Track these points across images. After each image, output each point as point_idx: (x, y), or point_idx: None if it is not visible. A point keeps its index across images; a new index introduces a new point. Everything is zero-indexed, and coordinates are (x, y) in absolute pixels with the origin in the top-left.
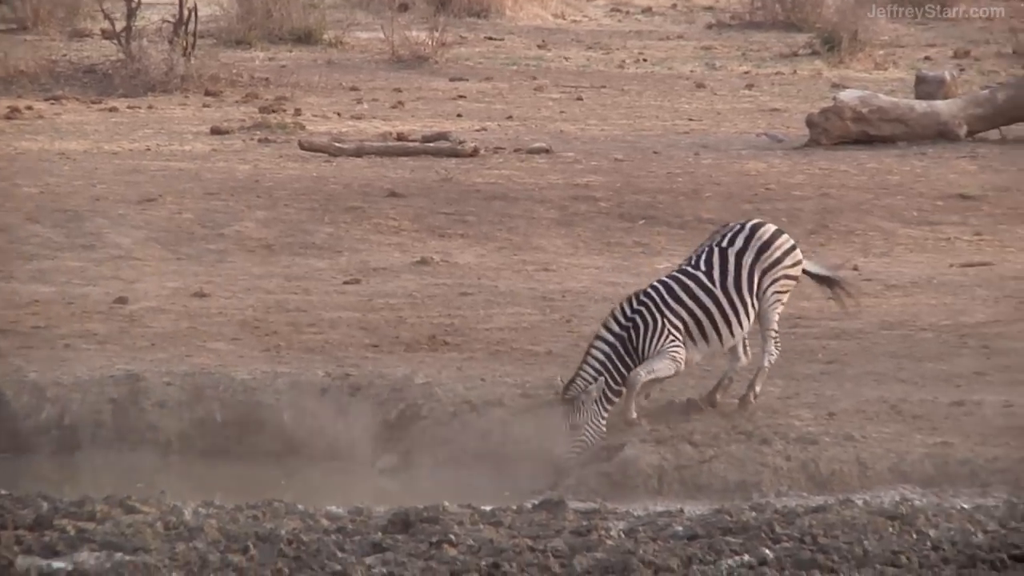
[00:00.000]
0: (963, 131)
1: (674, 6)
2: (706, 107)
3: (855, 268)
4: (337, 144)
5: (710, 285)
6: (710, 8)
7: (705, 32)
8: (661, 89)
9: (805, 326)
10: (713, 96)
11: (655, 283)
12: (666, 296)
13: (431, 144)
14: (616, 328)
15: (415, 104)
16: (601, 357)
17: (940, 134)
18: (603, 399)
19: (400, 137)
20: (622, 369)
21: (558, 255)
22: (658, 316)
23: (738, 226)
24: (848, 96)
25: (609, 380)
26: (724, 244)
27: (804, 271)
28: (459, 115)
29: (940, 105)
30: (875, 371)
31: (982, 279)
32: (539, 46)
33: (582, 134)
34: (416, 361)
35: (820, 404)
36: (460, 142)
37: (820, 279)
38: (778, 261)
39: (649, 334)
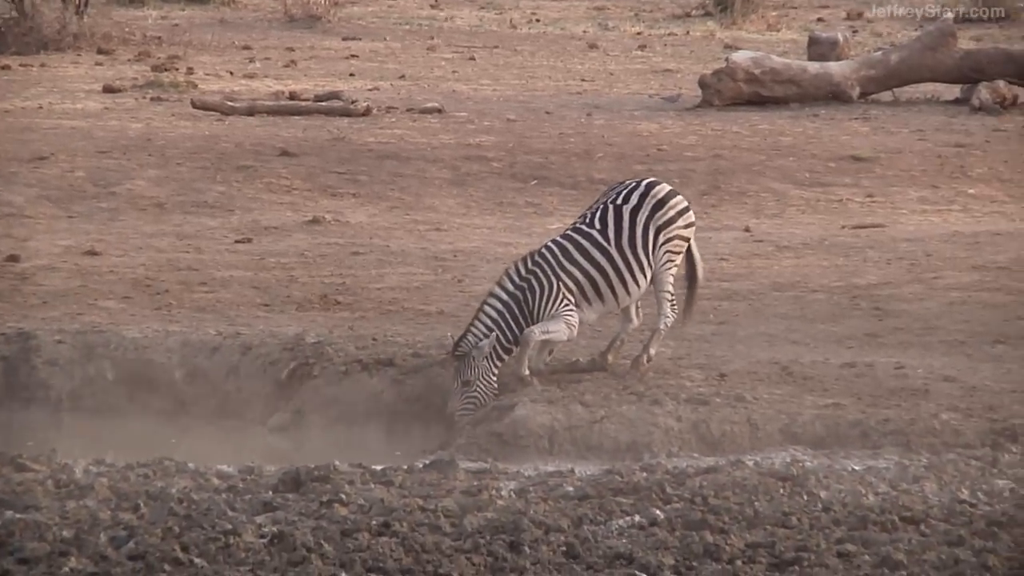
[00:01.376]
0: (856, 93)
1: None
2: (599, 68)
3: (747, 229)
4: (229, 103)
5: (604, 243)
6: None
7: None
8: (554, 50)
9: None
10: (606, 57)
11: (550, 243)
12: (560, 258)
13: (323, 103)
14: (510, 287)
15: (308, 63)
16: (494, 315)
17: (833, 96)
18: (494, 356)
19: (292, 96)
20: (515, 328)
21: (450, 215)
22: (553, 279)
23: (633, 183)
24: (740, 57)
25: (501, 337)
26: (619, 201)
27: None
28: (352, 75)
29: (833, 67)
30: (767, 332)
31: (874, 241)
32: (432, 6)
33: (475, 94)
34: (308, 320)
35: (711, 365)
36: (352, 101)
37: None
38: (671, 220)
39: (543, 297)
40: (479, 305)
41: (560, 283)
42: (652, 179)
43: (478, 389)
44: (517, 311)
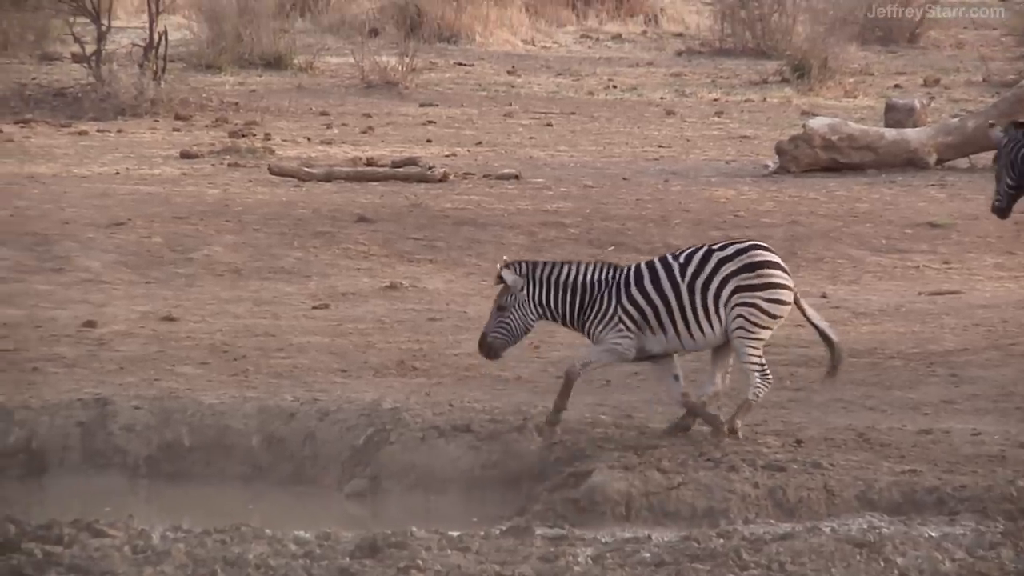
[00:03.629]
0: (933, 159)
1: (644, 33)
2: (675, 134)
3: (824, 296)
4: (307, 169)
5: (678, 277)
6: (680, 35)
7: (675, 59)
8: (631, 116)
9: (773, 353)
10: (682, 123)
11: (632, 266)
12: (632, 283)
13: (400, 169)
14: (585, 275)
15: (385, 129)
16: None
17: (909, 162)
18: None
19: (370, 162)
20: (555, 297)
21: None
22: (615, 304)
23: (743, 241)
24: (817, 124)
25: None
26: (715, 247)
27: (806, 318)
28: (429, 140)
29: (910, 133)
30: (843, 399)
31: (950, 307)
32: (509, 72)
33: (551, 160)
34: (384, 386)
35: (787, 431)
36: (429, 167)
37: (818, 331)
38: (754, 287)
39: (599, 317)
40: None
41: (620, 309)
42: (763, 244)
43: (511, 317)
44: (569, 295)
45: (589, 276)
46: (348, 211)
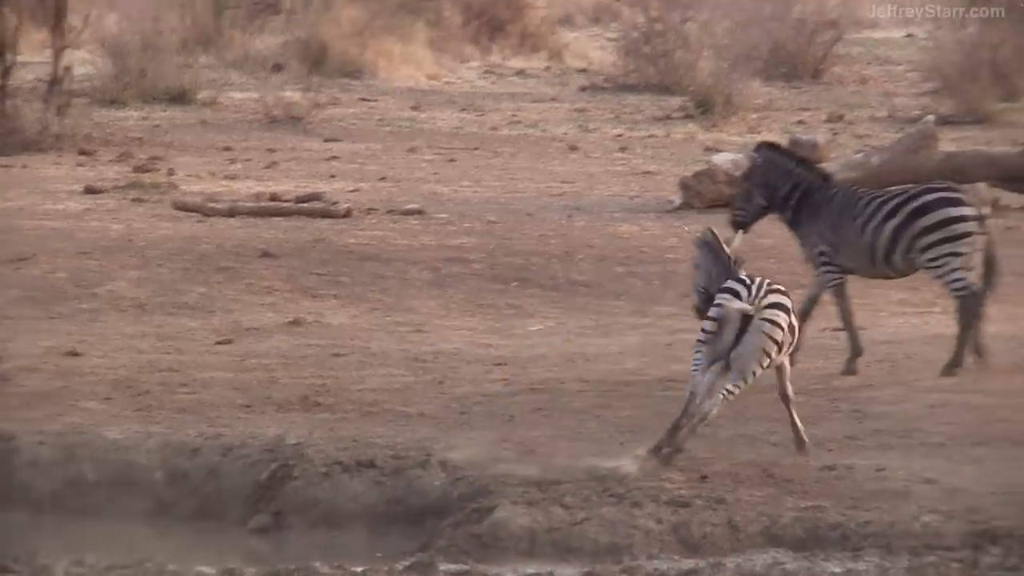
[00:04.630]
0: None
1: (547, 68)
2: (579, 169)
3: None
4: (210, 204)
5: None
6: (583, 71)
7: (579, 94)
8: (534, 151)
9: (677, 389)
10: (586, 158)
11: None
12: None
13: (304, 205)
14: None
15: (289, 164)
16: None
17: None
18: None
19: (273, 197)
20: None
21: (431, 316)
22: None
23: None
24: (721, 159)
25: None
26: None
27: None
28: (332, 176)
29: None
30: (747, 434)
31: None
32: (413, 107)
33: (455, 196)
34: (288, 421)
35: (692, 467)
36: (333, 203)
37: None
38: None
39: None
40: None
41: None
42: (777, 288)
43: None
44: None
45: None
46: (252, 246)
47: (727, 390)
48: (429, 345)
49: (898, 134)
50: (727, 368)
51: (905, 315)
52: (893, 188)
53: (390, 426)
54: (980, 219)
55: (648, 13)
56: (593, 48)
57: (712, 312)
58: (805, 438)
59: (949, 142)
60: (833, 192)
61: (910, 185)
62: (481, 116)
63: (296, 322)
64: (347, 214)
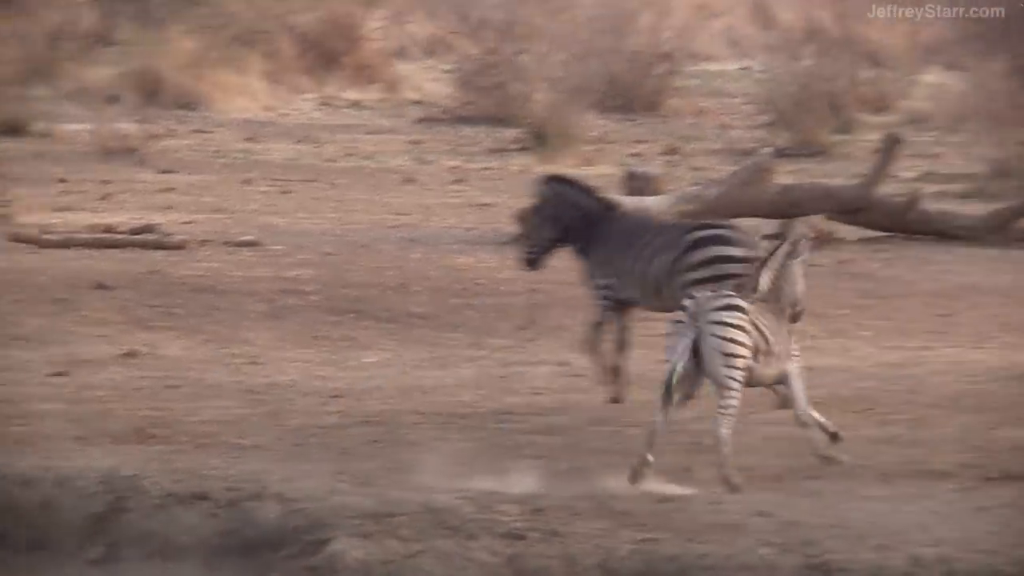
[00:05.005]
0: None
1: (383, 100)
2: (415, 201)
3: (564, 364)
4: (45, 236)
5: None
6: (419, 102)
7: (414, 126)
8: (370, 183)
9: (513, 421)
10: (422, 190)
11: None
12: None
13: (139, 236)
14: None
15: (124, 196)
16: None
17: None
18: None
19: (108, 229)
20: None
21: (266, 348)
22: None
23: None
24: None
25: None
26: None
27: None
28: (168, 207)
29: (649, 201)
30: (583, 467)
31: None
32: (248, 139)
33: (291, 227)
34: (123, 453)
35: (528, 500)
36: (168, 234)
37: None
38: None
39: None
40: None
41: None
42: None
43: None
44: None
45: None
46: (86, 278)
47: (722, 408)
48: (264, 377)
49: (734, 167)
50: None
51: None
52: (680, 221)
53: (225, 458)
54: (750, 261)
55: (483, 45)
56: (428, 80)
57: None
58: (833, 430)
59: (785, 174)
60: (618, 223)
61: (687, 222)
62: (317, 148)
63: (131, 354)
64: (182, 246)
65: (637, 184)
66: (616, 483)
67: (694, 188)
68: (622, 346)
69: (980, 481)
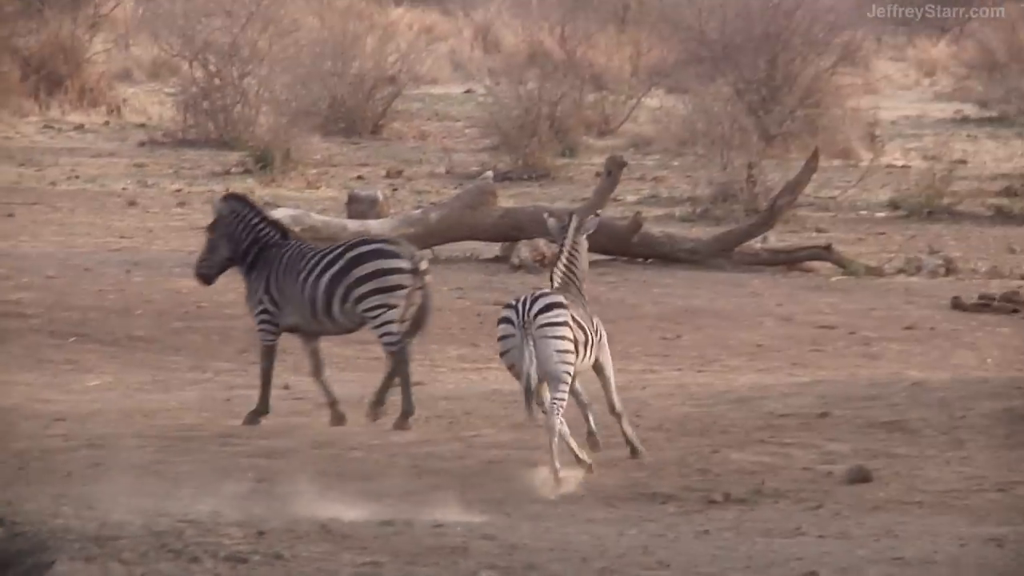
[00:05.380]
0: None
1: (106, 123)
2: (138, 224)
3: (286, 387)
4: None
5: None
6: (143, 126)
7: (138, 150)
8: (93, 206)
9: (235, 444)
10: (145, 214)
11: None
12: None
13: None
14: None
15: None
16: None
17: None
18: None
19: None
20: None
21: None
22: None
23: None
24: (280, 214)
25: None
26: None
27: None
28: None
29: (372, 224)
30: (306, 490)
31: (417, 398)
32: None
33: (13, 251)
34: None
35: (250, 523)
36: None
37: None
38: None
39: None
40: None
41: None
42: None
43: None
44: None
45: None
46: None
47: (555, 401)
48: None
49: (457, 190)
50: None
51: (464, 371)
52: (336, 244)
53: None
54: (414, 272)
55: (207, 68)
56: (153, 103)
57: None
58: (640, 447)
59: (508, 198)
60: (286, 249)
61: (349, 240)
62: (40, 171)
63: None
64: None
65: (360, 207)
66: (338, 506)
67: (417, 211)
68: (317, 371)
69: (702, 504)
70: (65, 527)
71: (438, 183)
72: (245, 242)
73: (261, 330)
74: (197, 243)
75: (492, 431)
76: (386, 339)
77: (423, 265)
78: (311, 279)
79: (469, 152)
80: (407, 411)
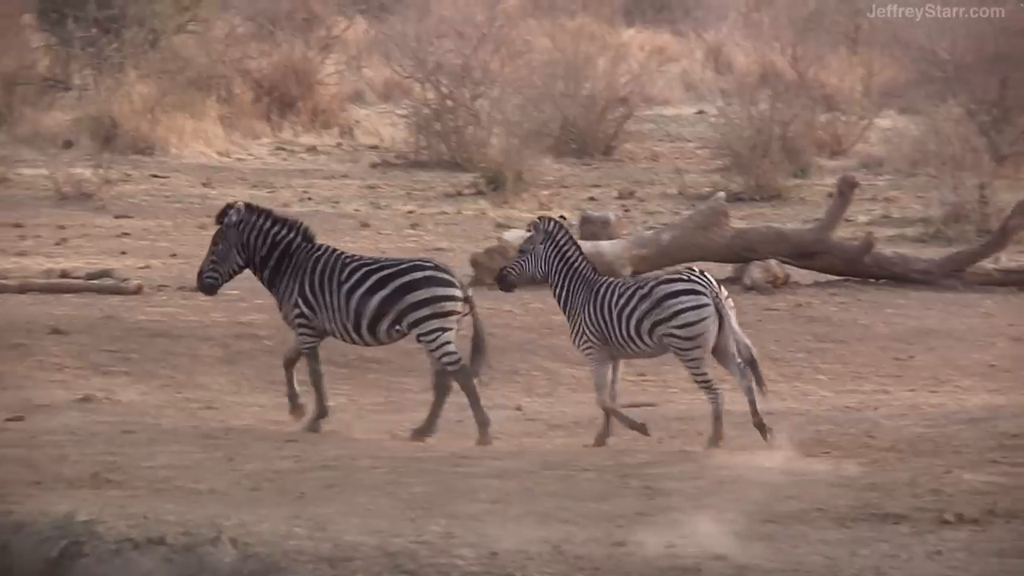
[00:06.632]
0: (628, 272)
1: (339, 145)
2: (371, 246)
3: (519, 408)
4: (1, 281)
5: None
6: (375, 147)
7: (370, 171)
8: (325, 228)
9: (467, 465)
10: (378, 235)
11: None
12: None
13: (95, 281)
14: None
15: (79, 241)
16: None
17: (605, 274)
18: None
19: (64, 274)
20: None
21: (221, 393)
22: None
23: None
24: (512, 236)
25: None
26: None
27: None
28: (123, 252)
29: (605, 245)
30: (538, 511)
31: (646, 418)
32: (204, 184)
33: (246, 272)
34: (79, 498)
35: (482, 544)
36: (124, 279)
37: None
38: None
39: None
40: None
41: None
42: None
43: (527, 261)
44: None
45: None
46: (42, 323)
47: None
48: (219, 422)
49: (689, 211)
50: None
51: (695, 391)
52: (384, 258)
53: (180, 503)
54: (465, 299)
55: (439, 90)
56: (384, 125)
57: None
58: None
59: (740, 219)
60: (318, 253)
61: (398, 259)
62: (272, 193)
63: (87, 399)
64: (138, 291)
65: (592, 228)
66: (571, 527)
67: (649, 232)
68: (317, 375)
69: (935, 524)
70: (298, 548)
71: (670, 204)
72: (263, 249)
73: (301, 335)
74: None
75: (724, 451)
76: (446, 359)
77: (469, 291)
78: (358, 294)
79: (701, 173)
80: (484, 422)
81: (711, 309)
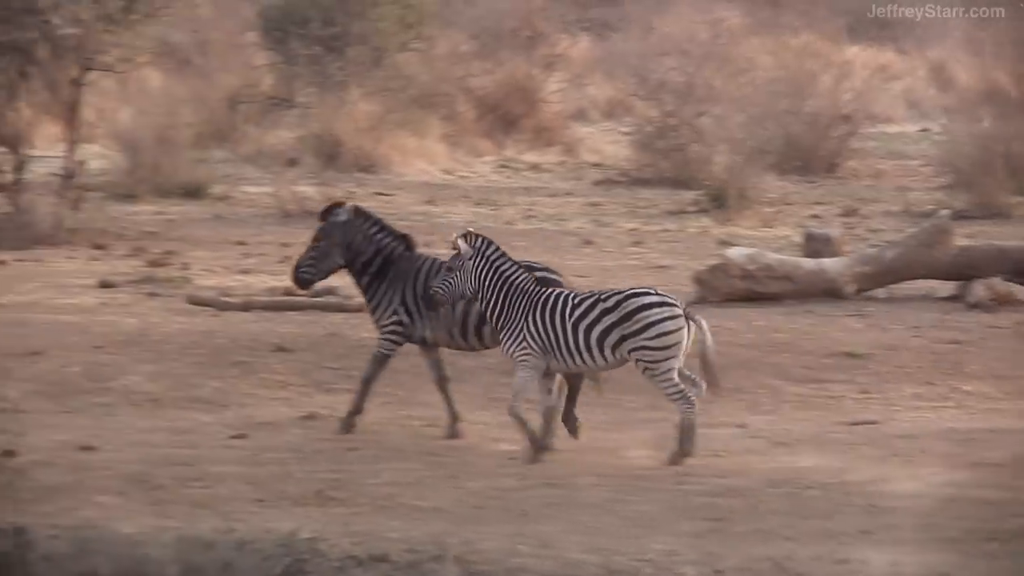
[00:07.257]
0: (851, 289)
1: (561, 163)
2: (594, 263)
3: (742, 425)
4: (224, 299)
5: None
6: (598, 165)
7: (593, 189)
8: (549, 245)
9: (691, 483)
10: (601, 252)
11: (551, 291)
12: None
13: (318, 299)
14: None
15: None
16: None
17: (828, 292)
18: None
19: (288, 292)
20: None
21: (444, 410)
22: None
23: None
24: (736, 253)
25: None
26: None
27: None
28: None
29: (828, 263)
30: (761, 528)
31: (868, 437)
32: (427, 201)
33: None
34: (302, 516)
35: (706, 562)
36: (347, 297)
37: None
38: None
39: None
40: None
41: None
42: (644, 291)
43: (456, 278)
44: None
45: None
46: (266, 340)
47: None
48: (443, 439)
49: (912, 228)
50: None
51: (919, 409)
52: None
53: (404, 520)
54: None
55: (662, 107)
56: (607, 142)
57: None
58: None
59: (963, 236)
60: (421, 263)
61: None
62: (496, 210)
63: (310, 416)
64: (361, 308)
65: (816, 245)
66: (793, 545)
67: (872, 250)
68: (441, 381)
69: None
70: (522, 566)
71: (893, 221)
72: (367, 253)
73: (386, 338)
74: (653, 281)
75: (948, 469)
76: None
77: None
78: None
79: (924, 191)
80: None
81: (683, 320)
